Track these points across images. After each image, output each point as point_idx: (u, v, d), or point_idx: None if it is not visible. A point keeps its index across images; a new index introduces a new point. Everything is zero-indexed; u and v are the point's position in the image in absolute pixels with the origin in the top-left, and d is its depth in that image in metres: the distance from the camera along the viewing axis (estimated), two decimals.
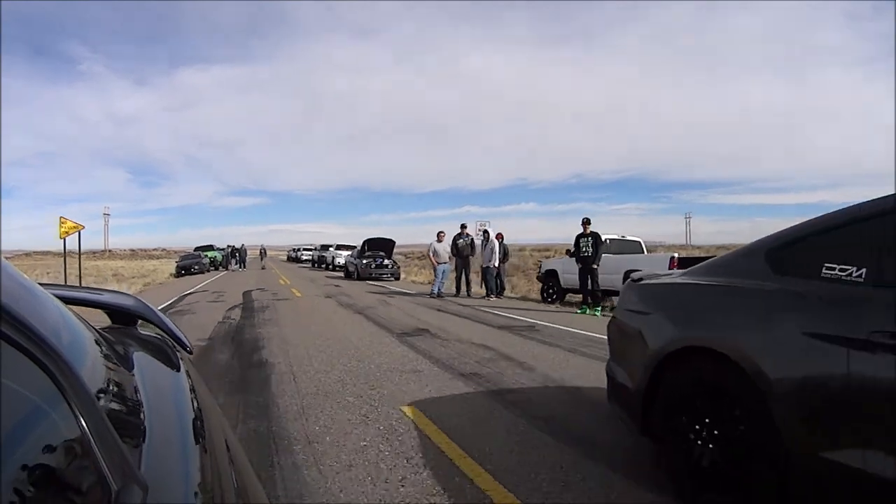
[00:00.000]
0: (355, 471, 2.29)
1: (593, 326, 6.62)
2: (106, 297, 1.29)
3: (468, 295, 11.15)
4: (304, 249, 40.15)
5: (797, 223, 2.15)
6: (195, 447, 0.72)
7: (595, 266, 8.57)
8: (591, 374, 3.96)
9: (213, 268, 26.99)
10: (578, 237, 8.79)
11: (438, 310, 8.61)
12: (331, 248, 27.11)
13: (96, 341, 0.78)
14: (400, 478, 2.22)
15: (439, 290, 11.02)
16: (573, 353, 4.97)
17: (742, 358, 1.91)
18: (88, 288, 1.48)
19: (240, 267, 29.56)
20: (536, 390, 3.62)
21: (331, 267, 25.14)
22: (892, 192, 1.81)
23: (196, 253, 27.65)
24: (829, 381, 1.70)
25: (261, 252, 33.52)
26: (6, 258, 0.64)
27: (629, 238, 10.99)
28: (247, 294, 12.09)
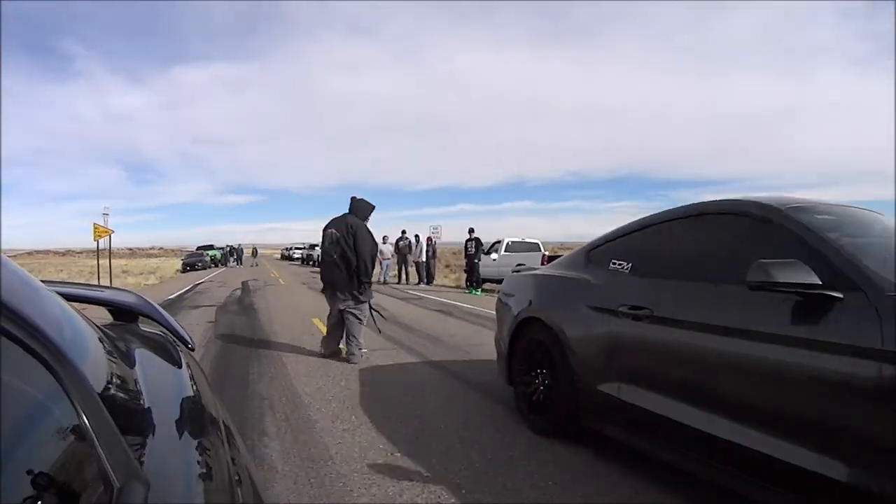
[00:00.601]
0: (286, 332, 6.23)
1: (462, 299, 10.55)
2: (107, 294, 1.29)
3: (406, 282, 15.09)
4: (296, 248, 44.04)
5: (607, 231, 2.89)
6: (197, 443, 0.73)
7: (477, 261, 12.54)
8: (427, 320, 7.92)
9: (213, 265, 30.88)
10: (466, 241, 12.77)
11: (375, 291, 12.54)
12: (316, 248, 31.05)
13: (98, 338, 0.78)
14: (299, 333, 6.18)
15: (384, 278, 14.97)
16: (423, 308, 8.92)
17: (554, 324, 2.72)
18: (89, 285, 1.50)
19: (237, 264, 33.53)
20: (390, 320, 7.59)
21: (316, 264, 29.07)
22: (651, 214, 2.62)
23: (199, 252, 31.62)
24: (607, 338, 2.43)
25: (253, 251, 37.58)
26: (6, 256, 0.65)
27: (528, 240, 14.90)
28: (244, 283, 16.02)
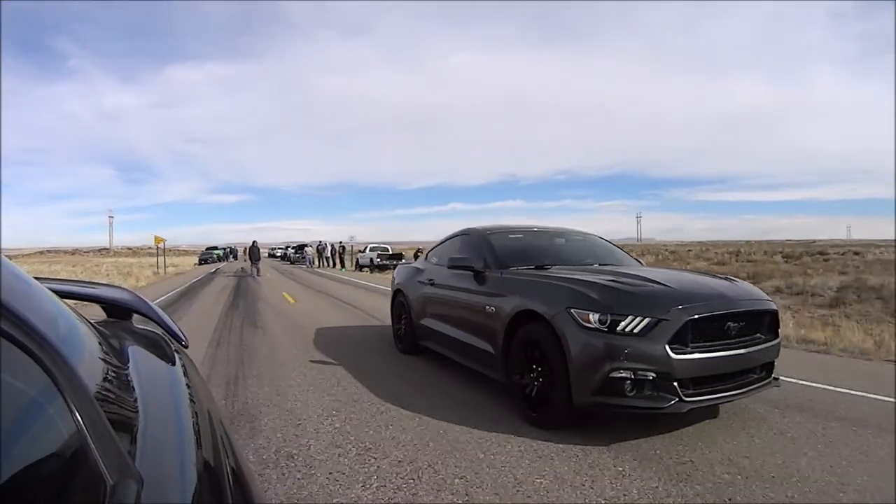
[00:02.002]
0: (259, 277, 21.38)
1: (331, 272, 25.58)
2: (101, 291, 1.31)
3: (322, 267, 30.09)
4: (277, 248, 59.26)
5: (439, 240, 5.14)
6: (190, 440, 0.74)
7: (342, 255, 27.77)
8: (301, 273, 23.07)
9: (218, 260, 45.75)
10: (337, 245, 27.94)
11: (303, 271, 27.58)
12: (288, 249, 46.25)
13: (92, 335, 0.79)
14: (252, 283, 21.34)
15: (309, 265, 30.05)
16: (307, 273, 24.03)
17: (405, 291, 5.28)
18: (83, 282, 1.50)
19: (234, 259, 48.59)
20: (300, 276, 22.70)
21: (285, 259, 44.22)
22: (451, 233, 5.10)
23: (209, 251, 46.91)
24: (421, 296, 4.91)
25: (244, 251, 52.87)
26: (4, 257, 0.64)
27: (382, 245, 29.94)
28: (241, 268, 30.99)
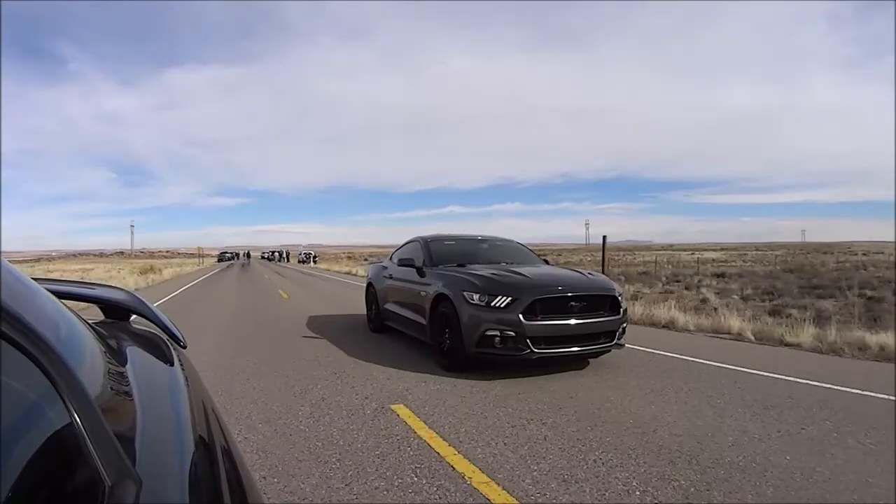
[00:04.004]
0: (254, 267, 53.89)
1: (283, 263, 58.01)
2: (99, 292, 1.30)
3: (281, 262, 61.93)
4: (264, 252, 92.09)
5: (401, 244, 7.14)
6: (189, 441, 0.74)
7: (288, 255, 60.61)
8: (287, 270, 55.80)
9: (228, 259, 76.63)
10: (285, 250, 60.82)
11: (271, 264, 59.86)
12: (273, 252, 79.30)
13: (91, 337, 0.79)
14: (253, 266, 54.01)
15: (277, 262, 61.97)
16: (274, 264, 56.15)
17: (375, 284, 7.29)
18: (81, 282, 1.48)
19: (238, 259, 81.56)
20: (266, 264, 55.30)
21: (269, 259, 76.85)
22: (406, 240, 7.07)
23: (223, 253, 78.58)
24: (385, 287, 6.77)
25: (243, 254, 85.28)
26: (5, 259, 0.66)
27: (310, 250, 62.53)
28: (243, 264, 62.97)
